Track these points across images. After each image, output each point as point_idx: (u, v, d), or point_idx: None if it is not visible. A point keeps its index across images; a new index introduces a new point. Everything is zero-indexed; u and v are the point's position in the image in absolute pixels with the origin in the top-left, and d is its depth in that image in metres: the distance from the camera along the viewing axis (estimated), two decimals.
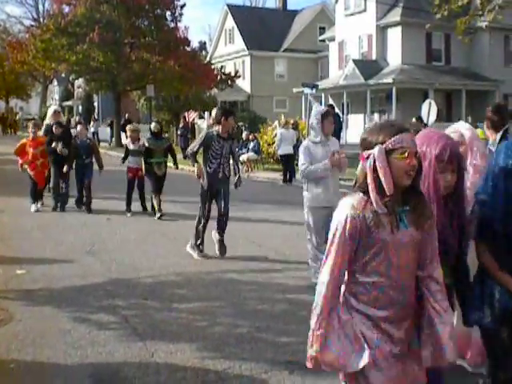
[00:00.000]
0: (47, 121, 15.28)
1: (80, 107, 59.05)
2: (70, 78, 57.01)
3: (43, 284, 7.84)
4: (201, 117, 47.46)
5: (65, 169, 13.70)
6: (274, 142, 25.08)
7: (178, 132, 34.02)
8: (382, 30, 38.37)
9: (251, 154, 25.50)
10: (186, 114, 43.63)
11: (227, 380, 5.03)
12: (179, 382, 4.97)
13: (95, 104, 60.15)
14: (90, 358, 5.44)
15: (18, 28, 75.97)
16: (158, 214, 12.86)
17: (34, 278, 8.11)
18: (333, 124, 7.91)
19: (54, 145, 13.56)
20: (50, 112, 15.59)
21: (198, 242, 9.50)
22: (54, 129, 13.80)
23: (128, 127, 14.57)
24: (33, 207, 13.78)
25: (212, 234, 9.55)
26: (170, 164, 14.06)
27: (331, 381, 5.02)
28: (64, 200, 14.09)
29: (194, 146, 9.56)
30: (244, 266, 8.94)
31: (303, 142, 8.07)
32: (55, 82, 79.20)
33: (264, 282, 8.08)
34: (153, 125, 13.59)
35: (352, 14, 40.13)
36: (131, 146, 13.78)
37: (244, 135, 27.50)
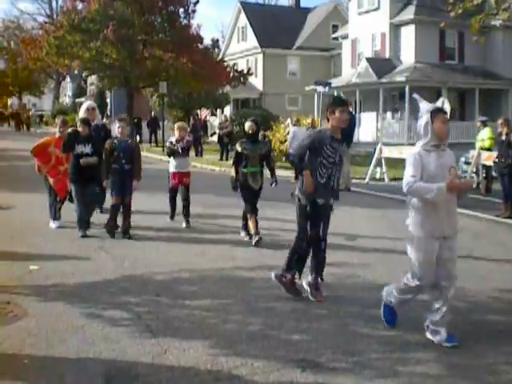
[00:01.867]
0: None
1: None
2: (83, 75, 57.26)
3: (56, 280, 7.86)
4: (213, 114, 47.52)
5: (104, 184, 11.01)
6: (286, 140, 25.06)
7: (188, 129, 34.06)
8: (395, 28, 38.24)
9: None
10: (198, 111, 43.70)
11: (239, 377, 5.04)
12: (192, 379, 4.98)
13: (108, 101, 60.24)
14: (103, 354, 5.45)
15: (32, 25, 76.36)
16: (255, 238, 10.16)
17: (47, 274, 8.14)
18: (447, 124, 6.18)
19: (78, 150, 10.72)
20: (82, 108, 12.70)
21: (296, 274, 7.42)
22: (78, 127, 10.83)
23: (176, 125, 12.36)
24: (53, 224, 11.47)
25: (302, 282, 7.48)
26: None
27: (343, 379, 5.03)
28: (99, 199, 11.86)
29: (298, 148, 7.40)
30: (256, 263, 8.94)
31: (413, 149, 6.10)
32: (68, 79, 79.57)
33: (274, 282, 8.06)
34: (247, 124, 10.46)
35: (365, 12, 40.02)
36: (178, 147, 11.92)
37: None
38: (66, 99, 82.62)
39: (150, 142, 39.68)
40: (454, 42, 37.92)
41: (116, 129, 10.79)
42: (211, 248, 9.91)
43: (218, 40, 47.57)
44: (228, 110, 48.22)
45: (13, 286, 7.58)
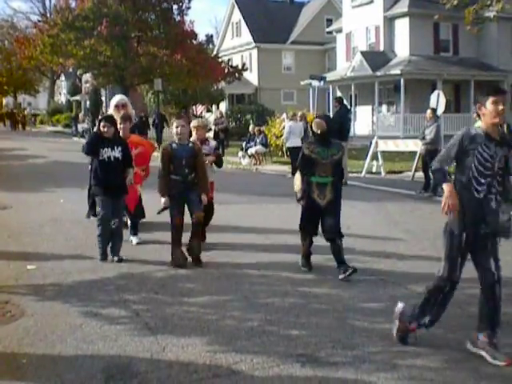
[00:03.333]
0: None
1: (88, 102, 59.07)
2: (78, 73, 57.13)
3: (54, 279, 7.84)
4: (208, 110, 47.50)
5: (164, 202, 8.64)
6: (281, 135, 25.06)
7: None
8: (389, 21, 38.24)
9: (259, 147, 25.52)
10: (193, 107, 43.67)
11: (239, 373, 5.03)
12: (191, 376, 4.97)
13: (103, 98, 60.16)
14: (102, 352, 5.44)
15: (25, 23, 76.13)
16: (346, 272, 7.84)
17: (45, 273, 8.12)
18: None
19: (104, 154, 8.69)
20: (111, 105, 10.61)
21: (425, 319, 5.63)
22: (101, 127, 8.72)
23: (193, 123, 9.68)
24: (134, 240, 9.99)
25: None
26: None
27: (343, 373, 5.03)
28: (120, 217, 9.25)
29: (444, 155, 5.69)
30: (254, 258, 8.93)
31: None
32: (63, 77, 79.46)
33: (274, 274, 8.07)
34: (315, 122, 8.17)
35: (359, 6, 40.01)
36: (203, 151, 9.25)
37: (251, 128, 27.49)
38: (61, 98, 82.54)
39: (157, 141, 37.83)
40: (449, 34, 37.93)
41: (174, 129, 8.63)
42: (209, 244, 9.88)
43: (212, 36, 47.86)
44: (223, 105, 48.21)
45: (10, 285, 7.56)
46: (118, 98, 10.61)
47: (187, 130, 8.83)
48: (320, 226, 8.18)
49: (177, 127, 8.56)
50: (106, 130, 8.65)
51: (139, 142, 10.07)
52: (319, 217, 8.11)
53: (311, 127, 8.29)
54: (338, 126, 18.87)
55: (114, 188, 8.70)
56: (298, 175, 8.23)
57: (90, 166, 9.83)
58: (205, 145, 9.57)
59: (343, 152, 8.44)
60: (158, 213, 8.95)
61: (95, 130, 9.01)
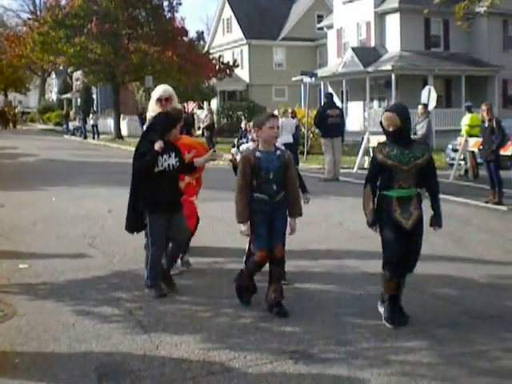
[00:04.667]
0: (151, 112, 8.00)
1: (78, 100, 58.98)
2: (68, 71, 57.07)
3: (46, 278, 7.82)
4: (200, 107, 47.40)
5: (245, 230, 6.54)
6: None
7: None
8: (380, 17, 38.23)
9: (251, 144, 25.41)
10: (184, 104, 43.55)
11: (232, 371, 5.03)
12: (184, 374, 4.96)
13: (94, 96, 60.04)
14: (95, 351, 5.43)
15: (16, 21, 75.97)
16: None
17: (37, 272, 8.10)
18: None
19: (163, 164, 6.97)
20: (153, 97, 8.22)
21: None
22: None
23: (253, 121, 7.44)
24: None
25: None
26: None
27: (337, 369, 5.04)
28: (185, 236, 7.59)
29: None
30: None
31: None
32: (53, 75, 79.17)
33: (266, 271, 8.04)
34: (385, 116, 6.14)
35: (350, 1, 39.98)
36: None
37: (243, 125, 27.46)
38: (52, 95, 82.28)
39: None
40: (440, 29, 37.95)
41: (265, 131, 6.36)
42: (200, 241, 9.86)
43: (202, 32, 47.56)
44: (214, 102, 48.13)
45: (2, 284, 7.54)
46: (161, 89, 8.25)
47: (273, 133, 6.46)
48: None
49: (271, 128, 6.37)
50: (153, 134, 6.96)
51: (192, 144, 8.07)
52: (407, 245, 6.03)
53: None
54: (318, 122, 19.07)
55: (170, 203, 7.01)
56: (366, 190, 6.18)
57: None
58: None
59: (430, 155, 6.23)
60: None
61: (156, 147, 6.90)
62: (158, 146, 6.83)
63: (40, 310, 6.56)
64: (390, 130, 6.05)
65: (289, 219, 6.51)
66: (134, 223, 7.23)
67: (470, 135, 18.34)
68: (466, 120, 19.14)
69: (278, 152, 6.47)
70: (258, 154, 6.39)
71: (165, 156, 6.91)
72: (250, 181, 6.38)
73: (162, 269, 7.21)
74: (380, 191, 6.12)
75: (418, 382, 4.81)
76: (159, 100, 8.03)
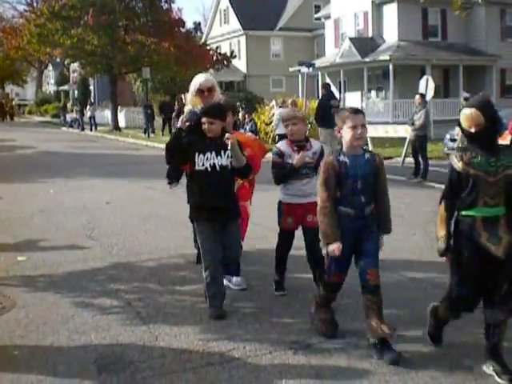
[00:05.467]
0: (189, 106, 7.17)
1: (76, 91, 58.86)
2: (65, 63, 56.87)
3: (44, 270, 7.81)
4: None
5: (336, 248, 5.15)
6: (271, 122, 25.03)
7: (173, 114, 33.83)
8: (377, 7, 38.09)
9: (249, 135, 25.42)
10: (182, 95, 43.51)
11: (232, 361, 5.03)
12: (184, 365, 4.96)
13: (91, 88, 59.92)
14: (94, 343, 5.43)
15: (12, 13, 75.62)
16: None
17: (35, 264, 8.09)
18: None
19: (205, 162, 6.02)
20: (194, 85, 7.07)
21: None
22: (205, 123, 6.01)
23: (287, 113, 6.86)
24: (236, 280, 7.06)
25: None
26: None
27: (336, 359, 5.03)
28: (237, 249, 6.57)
29: None
30: (244, 246, 8.88)
31: None
32: (50, 67, 78.98)
33: (265, 261, 8.02)
34: (465, 113, 4.75)
35: None
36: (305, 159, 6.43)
37: (241, 115, 27.43)
38: (49, 87, 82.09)
39: (163, 131, 35.18)
40: (437, 19, 37.81)
41: (346, 131, 5.17)
42: None
43: (200, 23, 47.58)
44: None
45: (1, 277, 7.53)
46: (201, 78, 7.13)
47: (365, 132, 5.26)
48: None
49: (353, 128, 5.14)
50: (211, 127, 5.99)
51: (247, 141, 6.93)
52: (491, 278, 4.71)
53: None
54: (322, 112, 19.01)
55: (215, 209, 5.99)
56: (441, 210, 4.85)
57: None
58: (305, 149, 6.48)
59: None
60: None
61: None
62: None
63: (39, 303, 6.55)
64: (472, 130, 4.71)
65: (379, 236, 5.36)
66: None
67: None
68: None
69: (367, 155, 5.27)
70: (342, 157, 5.22)
71: (207, 154, 5.97)
72: (334, 192, 5.18)
73: (221, 288, 6.18)
74: (458, 211, 4.82)
75: (419, 371, 4.80)
76: (200, 91, 6.99)
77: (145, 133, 34.53)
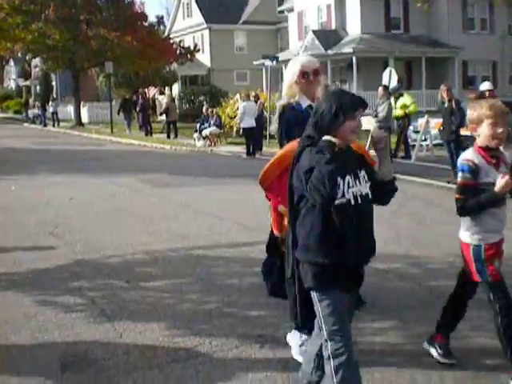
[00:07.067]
0: (282, 101, 5.40)
1: (38, 87, 58.14)
2: (27, 58, 56.04)
3: (6, 268, 7.68)
4: (161, 92, 47.06)
5: None
6: (235, 116, 24.99)
7: (137, 108, 33.54)
8: (340, 0, 38.21)
9: (213, 129, 25.39)
10: (146, 90, 43.24)
11: (198, 357, 4.99)
12: (149, 361, 4.91)
13: (53, 83, 59.24)
14: (58, 341, 5.35)
15: None
16: None
17: None
18: None
19: (347, 193, 3.63)
20: (293, 68, 5.26)
21: None
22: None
23: None
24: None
25: None
26: None
27: None
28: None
29: None
30: (210, 241, 8.87)
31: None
32: (12, 63, 77.79)
33: (231, 256, 8.03)
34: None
35: None
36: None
37: (204, 109, 27.37)
38: (11, 83, 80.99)
39: (141, 128, 33.38)
40: (400, 11, 38.05)
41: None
42: (164, 227, 9.80)
43: (162, 17, 47.08)
44: (176, 87, 47.81)
45: None
46: (302, 59, 5.43)
47: None
48: None
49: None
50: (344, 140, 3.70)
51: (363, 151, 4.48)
52: None
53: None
54: None
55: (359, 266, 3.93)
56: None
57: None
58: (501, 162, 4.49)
59: None
60: None
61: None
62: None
63: (0, 301, 6.44)
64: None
65: None
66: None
67: (407, 114, 18.55)
68: (407, 101, 19.01)
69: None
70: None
71: (348, 178, 3.64)
72: None
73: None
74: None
75: (387, 361, 4.81)
76: (304, 74, 5.17)
77: (128, 127, 33.86)
